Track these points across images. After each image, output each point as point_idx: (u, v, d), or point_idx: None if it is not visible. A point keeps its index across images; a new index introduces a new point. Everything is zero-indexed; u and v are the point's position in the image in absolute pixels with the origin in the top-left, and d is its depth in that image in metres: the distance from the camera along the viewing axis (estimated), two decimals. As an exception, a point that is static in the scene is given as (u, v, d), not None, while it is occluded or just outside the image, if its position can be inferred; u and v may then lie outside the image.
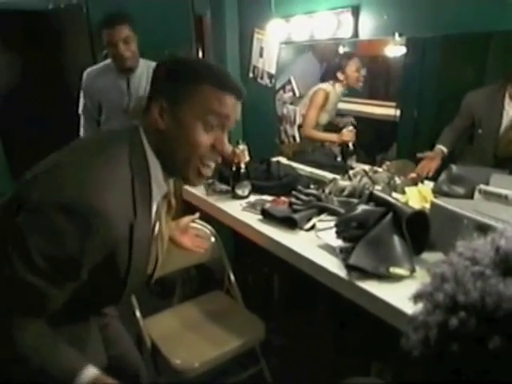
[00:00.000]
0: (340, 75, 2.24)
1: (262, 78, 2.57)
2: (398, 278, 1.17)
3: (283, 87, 2.46)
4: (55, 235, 0.79)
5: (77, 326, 1.04)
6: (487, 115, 1.68)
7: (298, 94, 2.42)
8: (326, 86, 2.31)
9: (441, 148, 1.79)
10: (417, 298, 0.41)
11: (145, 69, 2.27)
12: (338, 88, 2.28)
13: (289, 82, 2.44)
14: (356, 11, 1.89)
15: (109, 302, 1.12)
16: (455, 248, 0.42)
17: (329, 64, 2.35)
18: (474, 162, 1.74)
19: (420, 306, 0.41)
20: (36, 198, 0.81)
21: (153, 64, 1.07)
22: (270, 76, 2.51)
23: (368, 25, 1.88)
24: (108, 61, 2.34)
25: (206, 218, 1.88)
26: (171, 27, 3.22)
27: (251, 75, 2.63)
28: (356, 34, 1.91)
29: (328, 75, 2.32)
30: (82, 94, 2.42)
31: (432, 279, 0.41)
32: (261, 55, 2.56)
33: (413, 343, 0.39)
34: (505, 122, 1.63)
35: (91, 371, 0.84)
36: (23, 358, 0.81)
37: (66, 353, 0.86)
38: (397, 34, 1.73)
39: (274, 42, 2.40)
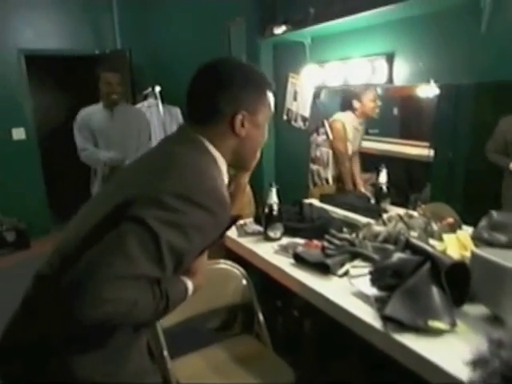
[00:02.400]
0: (356, 103, 2.28)
1: (295, 121, 2.62)
2: (438, 333, 1.11)
3: (317, 130, 2.49)
4: (184, 228, 0.82)
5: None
6: None
7: (331, 137, 2.44)
8: (342, 115, 2.38)
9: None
10: (474, 364, 0.39)
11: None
12: (354, 117, 2.33)
13: (322, 124, 2.46)
14: (390, 58, 1.92)
15: None
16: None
17: (346, 94, 2.39)
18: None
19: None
20: (161, 195, 0.82)
21: None
22: (304, 119, 2.55)
23: (402, 71, 1.90)
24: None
25: (237, 259, 1.87)
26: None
27: (285, 118, 2.68)
28: (391, 79, 1.93)
29: (345, 104, 2.38)
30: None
31: (489, 345, 0.38)
32: (295, 98, 2.62)
33: None
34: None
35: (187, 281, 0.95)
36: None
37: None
38: (432, 81, 1.74)
39: (309, 86, 2.45)
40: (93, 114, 2.88)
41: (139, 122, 3.01)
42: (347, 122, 2.36)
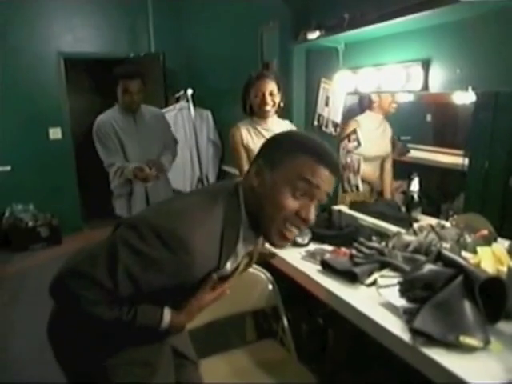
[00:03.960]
0: (374, 97, 2.28)
1: (326, 127, 2.59)
2: (470, 349, 1.07)
3: (348, 136, 2.45)
4: (143, 257, 0.90)
5: (148, 348, 1.12)
6: None
7: (363, 144, 2.40)
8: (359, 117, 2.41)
9: None
10: None
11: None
12: (374, 115, 2.33)
13: (354, 131, 2.43)
14: (426, 65, 1.87)
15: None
16: None
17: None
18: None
19: None
20: (141, 224, 0.93)
21: None
22: (335, 125, 2.53)
23: (439, 78, 1.85)
24: None
25: (264, 263, 1.87)
26: (241, 69, 3.40)
27: (316, 123, 2.66)
28: (426, 86, 1.89)
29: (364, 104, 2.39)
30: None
31: None
32: (326, 104, 2.60)
33: None
34: None
35: (167, 313, 1.02)
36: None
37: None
38: (470, 89, 1.69)
39: (341, 92, 2.43)
40: (114, 120, 2.60)
41: (163, 125, 2.81)
42: (364, 123, 2.38)
